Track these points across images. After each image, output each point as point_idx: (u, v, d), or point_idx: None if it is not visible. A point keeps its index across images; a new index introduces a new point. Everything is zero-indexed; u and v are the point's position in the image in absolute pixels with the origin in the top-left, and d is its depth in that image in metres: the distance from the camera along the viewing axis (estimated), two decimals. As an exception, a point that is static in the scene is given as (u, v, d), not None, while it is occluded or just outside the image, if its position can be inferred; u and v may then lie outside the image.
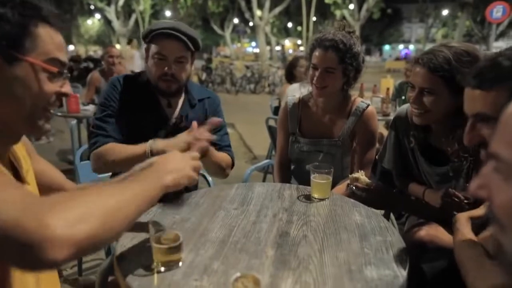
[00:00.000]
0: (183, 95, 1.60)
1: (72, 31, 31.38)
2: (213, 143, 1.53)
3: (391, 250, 1.00)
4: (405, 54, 34.98)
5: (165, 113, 1.56)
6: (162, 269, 0.88)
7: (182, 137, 1.29)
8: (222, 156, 1.54)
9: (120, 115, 1.48)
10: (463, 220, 1.10)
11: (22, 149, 0.88)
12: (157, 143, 1.30)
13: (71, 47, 30.62)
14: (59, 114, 3.64)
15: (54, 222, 0.53)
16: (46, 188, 0.92)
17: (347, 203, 1.32)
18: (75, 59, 15.22)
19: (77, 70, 13.45)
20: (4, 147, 0.78)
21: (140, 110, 1.50)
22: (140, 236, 1.03)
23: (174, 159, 0.86)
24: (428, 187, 1.48)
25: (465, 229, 1.05)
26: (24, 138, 0.91)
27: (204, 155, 1.33)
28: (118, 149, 1.39)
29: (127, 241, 1.01)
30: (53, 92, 0.77)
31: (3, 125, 0.73)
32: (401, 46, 43.72)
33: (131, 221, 0.67)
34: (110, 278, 1.12)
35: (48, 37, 0.74)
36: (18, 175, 0.81)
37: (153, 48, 1.46)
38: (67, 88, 0.80)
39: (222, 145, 1.60)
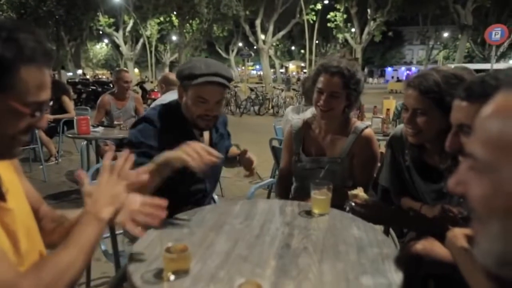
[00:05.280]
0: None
1: (81, 55, 32.22)
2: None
3: (386, 261, 1.06)
4: (407, 76, 35.36)
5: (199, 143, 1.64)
6: (172, 277, 0.95)
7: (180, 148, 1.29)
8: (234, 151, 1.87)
9: (159, 152, 1.39)
10: (459, 235, 1.16)
11: (6, 169, 0.88)
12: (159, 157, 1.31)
13: (79, 71, 31.26)
14: (70, 135, 3.77)
15: None
16: None
17: (346, 218, 1.38)
18: (84, 82, 15.60)
19: (85, 93, 13.78)
20: None
21: (176, 143, 1.42)
22: (151, 248, 1.10)
23: (104, 189, 0.91)
24: (424, 203, 1.54)
25: (463, 243, 1.12)
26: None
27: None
28: None
29: (139, 252, 1.08)
30: (24, 127, 0.76)
31: None
32: (403, 68, 44.22)
33: (85, 266, 0.82)
34: (120, 290, 1.18)
35: (29, 79, 0.72)
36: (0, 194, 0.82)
37: (194, 91, 1.48)
38: (41, 123, 0.79)
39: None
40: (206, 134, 1.70)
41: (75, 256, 0.78)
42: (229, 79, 1.52)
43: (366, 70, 41.49)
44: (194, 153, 1.09)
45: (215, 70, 1.47)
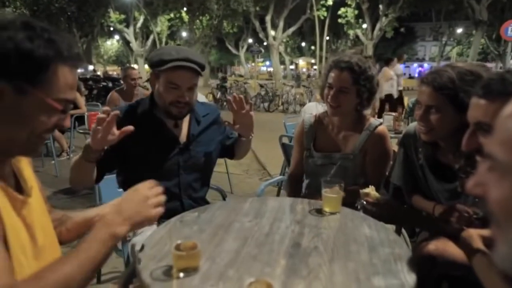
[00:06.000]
0: (188, 114, 1.65)
1: (92, 52, 32.56)
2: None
3: (399, 261, 1.04)
4: (419, 72, 34.89)
5: (173, 134, 1.61)
6: (181, 275, 0.94)
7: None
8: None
9: (126, 147, 1.41)
10: (475, 236, 1.13)
11: (27, 165, 0.91)
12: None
13: (91, 67, 31.64)
14: (81, 131, 3.81)
15: None
16: None
17: (357, 216, 1.36)
18: (95, 78, 15.74)
19: (96, 89, 13.91)
20: (1, 164, 0.81)
21: (146, 136, 1.51)
22: (160, 245, 1.10)
23: (132, 202, 0.91)
24: (438, 203, 1.51)
25: (479, 244, 1.09)
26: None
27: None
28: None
29: (148, 249, 1.08)
30: (52, 124, 0.81)
31: None
32: (415, 65, 43.68)
33: (89, 279, 0.81)
34: (130, 286, 1.18)
35: (63, 77, 0.78)
36: (19, 187, 0.84)
37: (165, 77, 1.48)
38: (66, 122, 0.84)
39: (233, 137, 1.82)
40: (185, 126, 1.65)
41: (77, 269, 0.77)
42: (201, 65, 1.50)
43: (378, 66, 41.15)
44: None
45: (185, 55, 1.47)
